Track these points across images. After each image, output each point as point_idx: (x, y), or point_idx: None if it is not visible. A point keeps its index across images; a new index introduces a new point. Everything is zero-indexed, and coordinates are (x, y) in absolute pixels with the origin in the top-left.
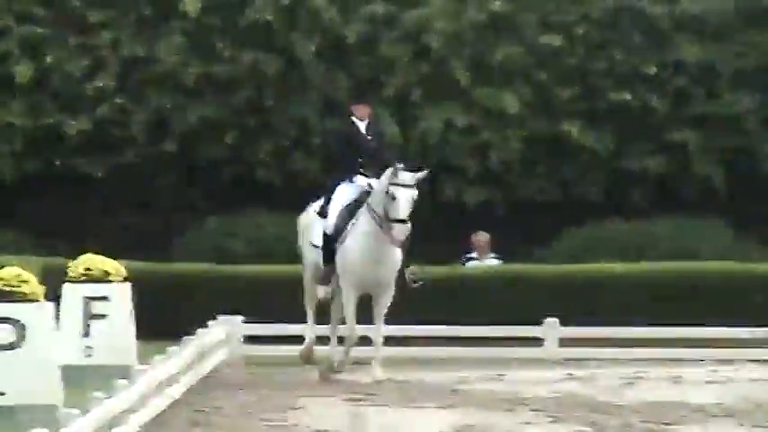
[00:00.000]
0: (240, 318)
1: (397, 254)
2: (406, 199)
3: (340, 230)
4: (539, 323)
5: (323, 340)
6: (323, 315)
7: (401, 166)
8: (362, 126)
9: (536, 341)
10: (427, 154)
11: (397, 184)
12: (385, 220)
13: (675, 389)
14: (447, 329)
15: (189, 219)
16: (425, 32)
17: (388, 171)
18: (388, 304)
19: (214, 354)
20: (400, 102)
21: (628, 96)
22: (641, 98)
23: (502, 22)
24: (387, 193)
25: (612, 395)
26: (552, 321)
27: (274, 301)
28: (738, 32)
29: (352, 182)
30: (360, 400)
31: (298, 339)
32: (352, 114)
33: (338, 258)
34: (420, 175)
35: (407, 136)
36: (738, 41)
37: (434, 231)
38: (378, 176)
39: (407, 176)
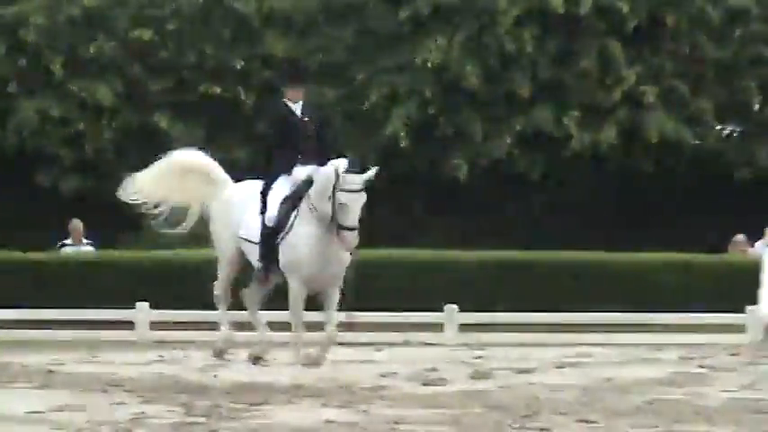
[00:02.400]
0: None
1: (344, 253)
2: (355, 206)
3: (282, 225)
4: (131, 307)
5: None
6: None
7: (346, 166)
8: (297, 109)
9: (128, 324)
10: (24, 144)
11: (346, 190)
12: (333, 225)
13: (265, 370)
14: (35, 312)
15: None
16: (23, 27)
17: (331, 171)
18: (337, 302)
19: None
20: None
21: (217, 89)
22: (231, 91)
23: (95, 16)
24: (333, 198)
25: (202, 376)
26: (142, 305)
27: None
28: (323, 28)
29: (290, 174)
30: None
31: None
32: (285, 97)
33: (284, 255)
34: (369, 175)
35: (4, 126)
36: (323, 37)
37: (30, 218)
38: (319, 164)
39: (356, 179)
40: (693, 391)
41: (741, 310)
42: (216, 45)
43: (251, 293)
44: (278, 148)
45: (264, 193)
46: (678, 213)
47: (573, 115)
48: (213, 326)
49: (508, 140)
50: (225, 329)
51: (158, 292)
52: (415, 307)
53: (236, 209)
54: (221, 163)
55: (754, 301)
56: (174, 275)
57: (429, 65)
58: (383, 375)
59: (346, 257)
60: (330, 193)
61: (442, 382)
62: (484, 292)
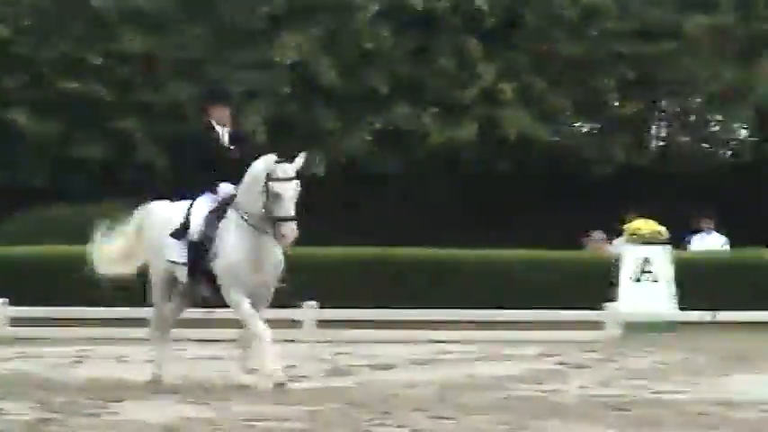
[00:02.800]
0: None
1: (279, 254)
2: (291, 194)
3: (209, 238)
4: None
5: None
6: None
7: (273, 157)
8: (224, 132)
9: None
10: None
11: (279, 179)
12: (268, 221)
13: (122, 367)
14: None
15: None
16: None
17: (260, 165)
18: (267, 307)
19: None
20: None
21: (75, 85)
22: (88, 87)
23: None
24: (266, 190)
25: (59, 373)
26: (2, 301)
27: None
28: (179, 25)
29: (214, 192)
30: None
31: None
32: (210, 116)
33: (220, 269)
34: (299, 162)
35: None
36: (179, 33)
37: None
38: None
39: (287, 168)
40: (550, 388)
41: (598, 307)
42: (73, 41)
43: (170, 310)
44: (201, 171)
45: (187, 215)
46: (535, 210)
47: (430, 112)
48: (73, 323)
49: (366, 138)
50: (157, 371)
51: (19, 289)
52: (273, 304)
53: (159, 233)
54: (75, 159)
55: (611, 298)
56: (36, 271)
57: (286, 62)
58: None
59: (280, 260)
60: (262, 186)
61: (299, 378)
62: (343, 290)
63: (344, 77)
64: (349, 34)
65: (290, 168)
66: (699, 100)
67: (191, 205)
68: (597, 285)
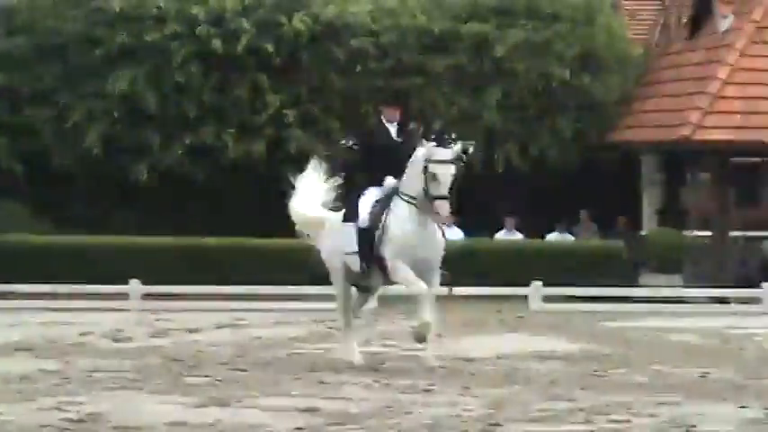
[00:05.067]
0: None
1: (440, 236)
2: (447, 175)
3: (376, 222)
4: None
5: None
6: None
7: (434, 142)
8: (393, 129)
9: None
10: None
11: (436, 161)
12: (425, 199)
13: None
14: None
15: None
16: None
17: (422, 149)
18: (438, 286)
19: None
20: None
21: None
22: None
23: None
24: (425, 172)
25: None
26: None
27: None
28: (35, 63)
29: (380, 185)
30: None
31: None
32: (383, 116)
33: (389, 247)
34: (458, 148)
35: None
36: (36, 69)
37: None
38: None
39: (446, 152)
40: (323, 347)
41: None
42: None
43: (355, 301)
44: (372, 168)
45: (355, 206)
46: None
47: (230, 132)
48: None
49: (179, 152)
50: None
51: None
52: (108, 281)
53: (337, 232)
54: None
55: None
56: None
57: (117, 92)
58: (82, 334)
59: (441, 242)
60: (422, 166)
61: (127, 339)
62: (163, 270)
63: (163, 104)
64: (167, 71)
65: (448, 152)
66: (439, 124)
67: (358, 198)
68: None
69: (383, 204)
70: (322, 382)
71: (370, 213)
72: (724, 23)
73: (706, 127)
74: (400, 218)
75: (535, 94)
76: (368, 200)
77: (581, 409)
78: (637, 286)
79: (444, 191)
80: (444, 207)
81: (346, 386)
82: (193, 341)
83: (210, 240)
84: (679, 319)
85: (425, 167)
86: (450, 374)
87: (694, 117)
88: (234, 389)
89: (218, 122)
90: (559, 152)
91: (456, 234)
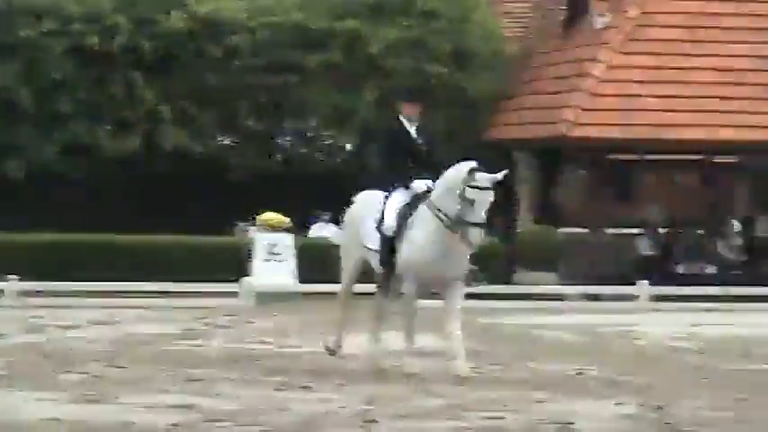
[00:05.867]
0: None
1: (465, 250)
2: (485, 202)
3: (400, 230)
4: None
5: None
6: None
7: (477, 166)
8: (412, 127)
9: None
10: None
11: (476, 187)
12: (458, 223)
13: None
14: None
15: None
16: None
17: (463, 171)
18: (461, 300)
19: None
20: None
21: None
22: None
23: None
24: (462, 195)
25: None
26: None
27: None
28: None
29: (408, 187)
30: None
31: None
32: (401, 113)
33: (402, 255)
34: (499, 176)
35: None
36: None
37: None
38: (432, 179)
39: (486, 178)
40: (198, 343)
41: (237, 281)
42: None
43: (377, 307)
44: (392, 164)
45: (383, 208)
46: (192, 205)
47: (106, 128)
48: None
49: (55, 149)
50: (338, 336)
51: None
52: None
53: (360, 221)
54: None
55: (247, 273)
56: None
57: None
58: None
59: (465, 259)
60: (459, 190)
61: (1, 336)
62: (42, 267)
63: (38, 101)
64: (42, 67)
65: (489, 178)
66: (315, 120)
67: (386, 198)
68: (239, 264)
69: (408, 210)
70: (197, 379)
71: (396, 218)
72: (599, 21)
73: (582, 124)
74: (423, 232)
75: (410, 92)
76: (394, 202)
77: (455, 406)
78: (512, 283)
79: (480, 218)
80: (477, 236)
81: (221, 383)
82: (68, 338)
83: (86, 237)
84: (554, 316)
85: (463, 191)
86: (325, 372)
87: (570, 115)
88: (109, 386)
89: (94, 119)
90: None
91: (332, 231)
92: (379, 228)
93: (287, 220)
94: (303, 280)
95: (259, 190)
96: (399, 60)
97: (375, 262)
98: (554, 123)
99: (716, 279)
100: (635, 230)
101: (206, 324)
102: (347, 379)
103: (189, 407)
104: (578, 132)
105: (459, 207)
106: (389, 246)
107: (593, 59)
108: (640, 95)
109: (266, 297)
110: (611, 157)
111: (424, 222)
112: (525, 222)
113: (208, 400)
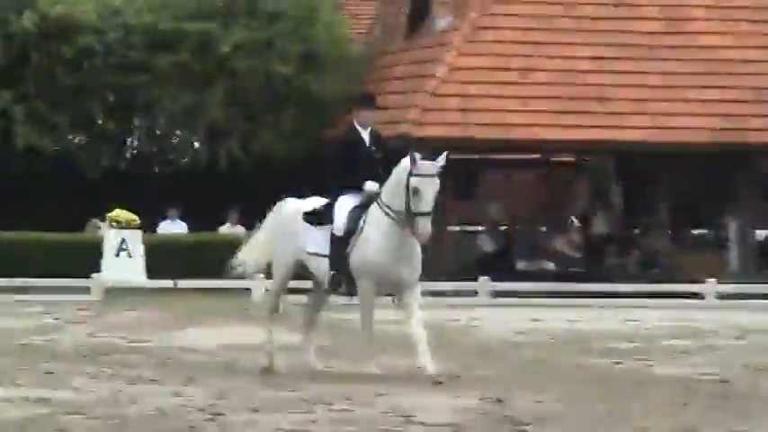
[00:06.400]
0: None
1: (419, 249)
2: (430, 191)
3: (351, 231)
4: None
5: None
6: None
7: (419, 155)
8: (366, 135)
9: None
10: None
11: (420, 175)
12: (406, 215)
13: None
14: None
15: None
16: None
17: (405, 162)
18: (419, 300)
19: None
20: None
21: None
22: None
23: None
24: (407, 186)
25: None
26: None
27: None
28: None
29: (357, 192)
30: None
31: None
32: (356, 119)
33: (355, 258)
34: (440, 162)
35: None
36: None
37: None
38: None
39: (429, 166)
40: (51, 337)
41: (88, 276)
42: None
43: (313, 300)
44: (345, 171)
45: (330, 209)
46: (45, 203)
47: None
48: None
49: None
50: (270, 346)
51: None
52: None
53: (301, 226)
54: None
55: (99, 269)
56: None
57: None
58: None
59: (418, 258)
60: (405, 182)
61: None
62: None
63: None
64: None
65: (431, 166)
66: (164, 118)
67: (333, 201)
68: (92, 260)
69: (359, 212)
70: (50, 373)
71: (347, 220)
72: (441, 23)
73: (424, 124)
74: (375, 231)
75: (258, 91)
76: (344, 205)
77: (305, 400)
78: None
79: (428, 207)
80: (426, 225)
81: (74, 376)
82: None
83: None
84: (398, 312)
85: (408, 181)
86: (174, 365)
87: (413, 115)
88: None
89: None
90: (281, 147)
91: (180, 228)
92: (319, 224)
93: (135, 217)
94: (152, 276)
95: (111, 188)
96: (248, 61)
97: (320, 266)
98: (397, 123)
99: (555, 275)
100: (476, 228)
101: (57, 319)
102: (197, 372)
103: (44, 400)
104: (421, 132)
105: (406, 200)
106: (342, 247)
107: (436, 61)
108: (481, 96)
109: (116, 293)
110: (453, 156)
111: (377, 222)
112: None
113: (62, 393)
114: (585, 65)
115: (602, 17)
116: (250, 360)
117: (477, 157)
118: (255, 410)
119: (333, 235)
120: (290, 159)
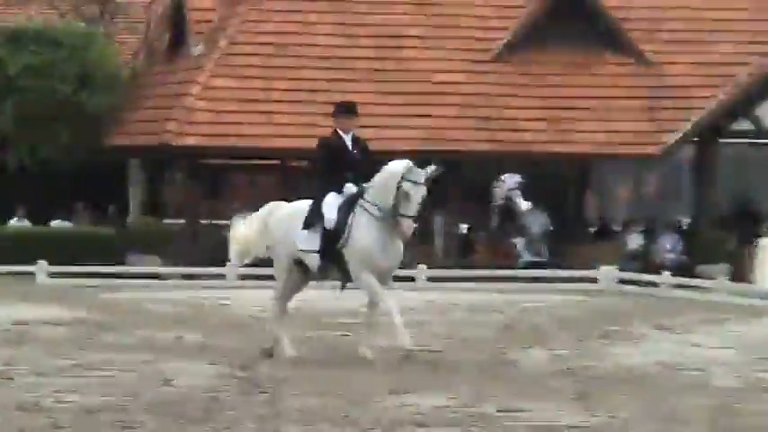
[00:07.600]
0: None
1: (400, 244)
2: (417, 197)
3: (342, 225)
4: None
5: None
6: None
7: (410, 162)
8: (348, 139)
9: None
10: None
11: (412, 181)
12: (392, 214)
13: None
14: None
15: None
16: None
17: (402, 166)
18: (392, 287)
19: None
20: None
21: None
22: None
23: None
24: (400, 188)
25: None
26: None
27: None
28: None
29: (340, 191)
30: None
31: None
32: (338, 126)
33: (350, 250)
34: (431, 171)
35: None
36: None
37: None
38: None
39: (421, 173)
40: None
41: None
42: None
43: (292, 287)
44: (327, 173)
45: (317, 209)
46: None
47: None
48: None
49: None
50: (286, 344)
51: None
52: None
53: (286, 226)
54: None
55: None
56: None
57: None
58: None
59: (400, 253)
60: (396, 184)
61: None
62: None
63: None
64: None
65: (423, 173)
66: None
67: (320, 201)
68: None
69: (347, 210)
70: None
71: (337, 215)
72: (196, 50)
73: (181, 134)
74: (365, 227)
75: (43, 107)
76: (332, 203)
77: (78, 366)
78: (124, 264)
79: (413, 211)
80: (409, 226)
81: None
82: None
83: None
84: (158, 293)
85: (399, 185)
86: None
87: (172, 126)
88: None
89: None
90: (62, 155)
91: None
92: (315, 226)
93: None
94: None
95: None
96: (34, 81)
97: (311, 260)
98: (159, 134)
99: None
100: (224, 221)
101: None
102: None
103: None
104: (180, 141)
105: (394, 200)
106: (333, 240)
107: (192, 81)
108: (229, 111)
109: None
110: (205, 161)
111: (364, 217)
112: (135, 214)
113: None
114: (320, 85)
115: (333, 45)
116: (36, 333)
117: (223, 162)
118: (41, 375)
119: (324, 229)
120: (69, 165)
